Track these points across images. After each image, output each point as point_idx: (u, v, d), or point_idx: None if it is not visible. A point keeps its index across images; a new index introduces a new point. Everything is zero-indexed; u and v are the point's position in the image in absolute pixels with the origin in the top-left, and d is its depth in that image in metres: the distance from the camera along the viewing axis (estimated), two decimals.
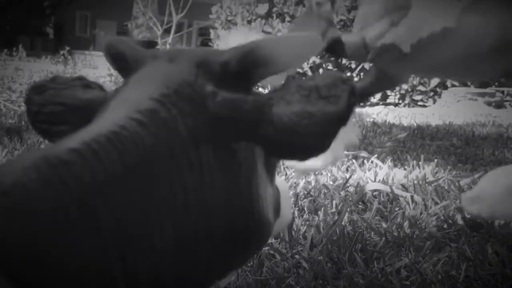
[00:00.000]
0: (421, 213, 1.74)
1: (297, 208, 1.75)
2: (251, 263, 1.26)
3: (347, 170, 2.39)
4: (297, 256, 1.35)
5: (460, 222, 1.67)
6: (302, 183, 2.05)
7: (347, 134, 1.02)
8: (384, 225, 1.66)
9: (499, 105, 6.82)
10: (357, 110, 5.98)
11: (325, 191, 1.96)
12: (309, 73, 7.50)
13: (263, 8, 8.11)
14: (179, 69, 0.49)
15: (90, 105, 0.52)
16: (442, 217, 1.71)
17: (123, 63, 0.53)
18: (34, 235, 0.36)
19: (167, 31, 7.67)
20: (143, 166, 0.43)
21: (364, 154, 2.68)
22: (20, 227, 0.36)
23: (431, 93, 7.39)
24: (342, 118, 0.45)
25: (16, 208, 0.36)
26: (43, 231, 0.36)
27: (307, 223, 1.60)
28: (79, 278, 0.38)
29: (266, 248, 1.35)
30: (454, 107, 6.53)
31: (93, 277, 0.39)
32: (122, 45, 0.53)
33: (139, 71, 0.51)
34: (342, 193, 1.96)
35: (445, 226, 1.65)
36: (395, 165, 2.54)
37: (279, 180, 0.65)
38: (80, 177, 0.39)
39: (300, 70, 7.43)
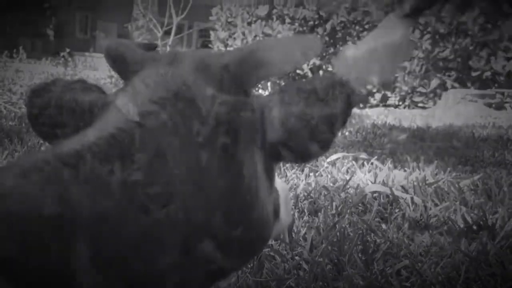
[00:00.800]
0: (421, 215, 1.74)
1: (297, 210, 1.76)
2: (251, 265, 1.26)
3: (347, 171, 2.39)
4: (297, 258, 1.35)
5: (461, 223, 1.67)
6: (302, 184, 2.05)
7: None
8: (384, 226, 1.66)
9: (499, 107, 6.81)
10: (357, 111, 5.98)
11: (325, 193, 1.96)
12: (309, 74, 7.51)
13: (263, 10, 8.12)
14: (179, 72, 0.49)
15: (90, 107, 0.52)
16: (442, 219, 1.72)
17: (123, 66, 0.53)
18: (30, 239, 0.36)
19: (167, 33, 7.68)
20: (142, 168, 0.43)
21: (364, 155, 2.68)
22: (16, 232, 0.36)
23: (431, 95, 7.39)
24: (340, 120, 0.45)
25: (14, 212, 0.36)
26: (40, 235, 0.36)
27: (307, 224, 1.60)
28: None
29: (266, 249, 1.35)
30: (454, 109, 6.53)
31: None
32: (122, 47, 0.54)
33: (139, 74, 0.51)
34: (342, 194, 1.96)
35: (445, 227, 1.65)
36: (395, 167, 2.54)
37: (279, 182, 0.66)
38: (81, 181, 0.39)
39: (300, 72, 7.44)
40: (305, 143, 0.45)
